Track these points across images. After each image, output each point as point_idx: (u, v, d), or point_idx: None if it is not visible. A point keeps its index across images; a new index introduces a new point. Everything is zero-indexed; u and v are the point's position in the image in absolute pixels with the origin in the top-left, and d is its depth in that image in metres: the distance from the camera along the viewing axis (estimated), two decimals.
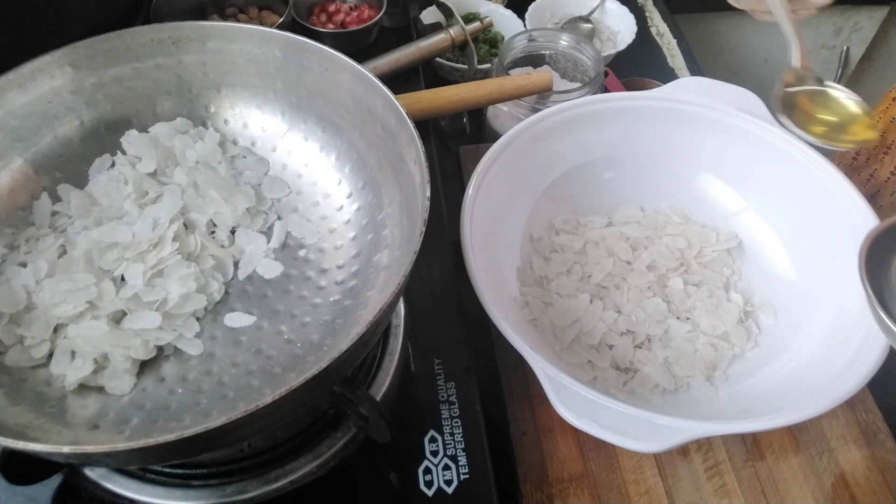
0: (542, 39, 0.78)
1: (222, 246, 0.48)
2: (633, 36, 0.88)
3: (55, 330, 0.42)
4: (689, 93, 0.62)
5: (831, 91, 0.58)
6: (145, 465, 0.43)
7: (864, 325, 0.48)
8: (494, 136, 0.60)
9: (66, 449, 0.31)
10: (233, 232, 0.49)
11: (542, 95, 0.68)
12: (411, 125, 0.43)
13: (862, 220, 0.53)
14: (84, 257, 0.44)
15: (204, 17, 0.76)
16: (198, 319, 0.44)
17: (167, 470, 0.44)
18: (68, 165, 0.49)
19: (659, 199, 0.64)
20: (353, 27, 0.77)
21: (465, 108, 0.67)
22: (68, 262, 0.44)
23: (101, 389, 0.41)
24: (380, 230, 0.47)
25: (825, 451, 0.52)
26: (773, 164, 0.59)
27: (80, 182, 0.49)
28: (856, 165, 0.68)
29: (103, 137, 0.50)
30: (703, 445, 0.52)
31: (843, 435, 0.53)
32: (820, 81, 0.59)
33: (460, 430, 0.49)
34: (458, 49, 0.80)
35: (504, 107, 0.72)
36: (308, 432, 0.46)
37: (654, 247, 0.61)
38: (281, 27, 0.72)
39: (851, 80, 1.27)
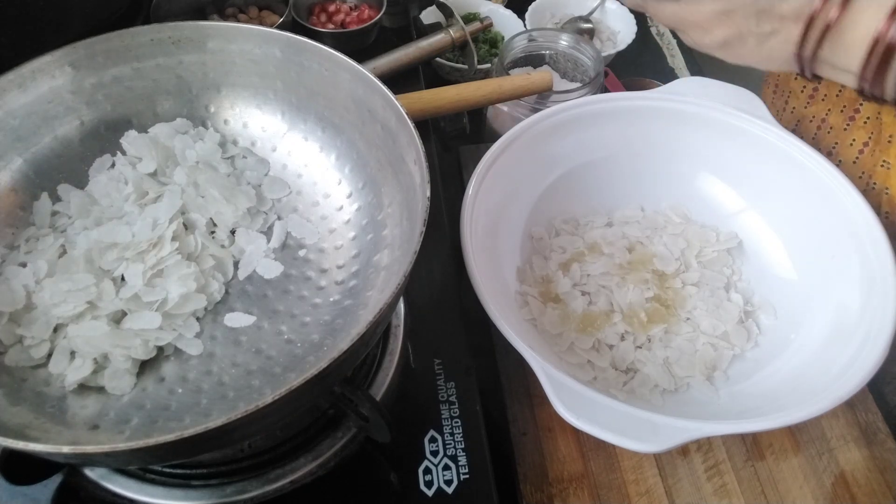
0: (542, 39, 0.78)
1: (222, 246, 0.48)
2: (633, 36, 0.88)
3: (55, 330, 0.42)
4: (689, 93, 0.62)
5: None
6: (145, 465, 0.43)
7: (864, 325, 0.48)
8: (494, 136, 0.60)
9: (66, 449, 0.31)
10: (233, 232, 0.49)
11: (542, 95, 0.68)
12: (411, 125, 0.43)
13: (862, 220, 0.53)
14: (84, 257, 0.44)
15: (204, 17, 0.76)
16: (198, 319, 0.44)
17: (167, 470, 0.44)
18: (68, 165, 0.49)
19: (659, 199, 0.64)
20: (353, 27, 0.77)
21: (465, 108, 0.67)
22: (68, 262, 0.44)
23: (101, 389, 0.41)
24: (380, 230, 0.47)
25: (825, 451, 0.52)
26: (773, 164, 0.59)
27: (80, 182, 0.49)
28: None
29: (103, 137, 0.50)
30: (703, 445, 0.52)
31: (843, 435, 0.53)
32: None
33: (460, 430, 0.49)
34: (458, 49, 0.80)
35: (504, 107, 0.72)
36: (308, 432, 0.46)
37: (653, 247, 0.61)
38: (281, 27, 0.72)
39: None
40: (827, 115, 0.62)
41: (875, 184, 0.59)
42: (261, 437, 0.45)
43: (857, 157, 0.60)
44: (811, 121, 0.63)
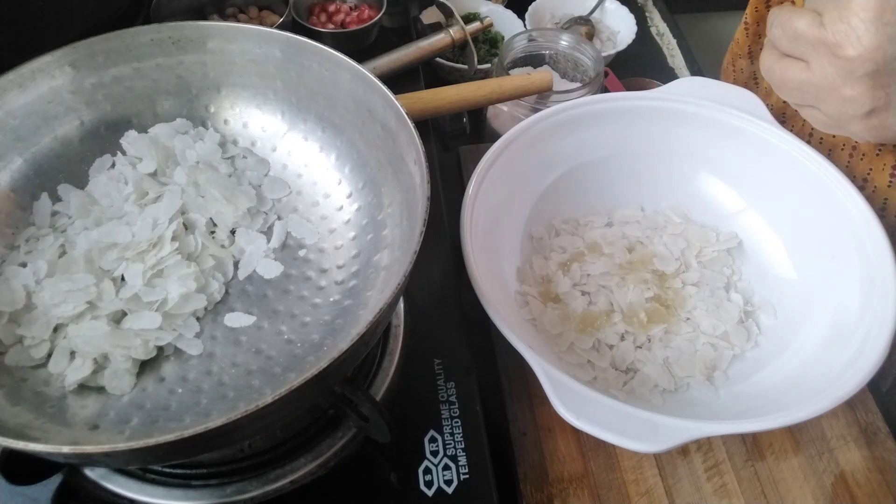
0: (542, 39, 0.78)
1: (222, 246, 0.48)
2: (633, 36, 0.88)
3: (55, 330, 0.42)
4: (689, 93, 0.62)
5: None
6: (145, 465, 0.43)
7: (864, 325, 0.48)
8: (494, 136, 0.60)
9: (66, 449, 0.31)
10: (233, 232, 0.49)
11: (542, 95, 0.68)
12: (411, 125, 0.43)
13: (862, 219, 0.53)
14: (84, 257, 0.44)
15: (204, 17, 0.76)
16: (198, 319, 0.44)
17: (167, 470, 0.44)
18: (68, 165, 0.49)
19: (659, 199, 0.64)
20: (353, 27, 0.77)
21: (465, 108, 0.67)
22: (68, 262, 0.44)
23: (101, 389, 0.41)
24: (380, 230, 0.47)
25: (825, 451, 0.52)
26: (773, 164, 0.59)
27: (80, 182, 0.49)
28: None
29: (103, 137, 0.50)
30: (703, 445, 0.52)
31: (843, 435, 0.53)
32: None
33: (460, 430, 0.49)
34: (458, 49, 0.80)
35: (504, 107, 0.72)
36: (308, 432, 0.46)
37: (653, 247, 0.61)
38: (281, 27, 0.72)
39: None
40: (857, 141, 0.59)
41: None
42: (261, 437, 0.45)
43: (890, 182, 0.58)
44: (843, 148, 0.61)
